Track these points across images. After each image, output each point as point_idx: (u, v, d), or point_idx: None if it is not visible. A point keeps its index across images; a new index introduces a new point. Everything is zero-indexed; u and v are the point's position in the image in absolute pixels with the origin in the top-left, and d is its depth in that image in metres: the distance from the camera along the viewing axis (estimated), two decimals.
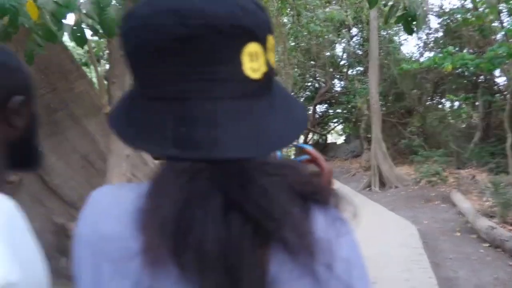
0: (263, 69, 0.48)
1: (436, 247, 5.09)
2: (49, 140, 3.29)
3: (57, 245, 3.15)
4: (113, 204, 0.52)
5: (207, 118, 0.45)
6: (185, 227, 0.46)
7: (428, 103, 16.04)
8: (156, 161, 0.58)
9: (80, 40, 2.22)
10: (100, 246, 0.50)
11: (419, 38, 14.09)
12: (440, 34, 13.66)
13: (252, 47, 0.46)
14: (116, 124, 0.50)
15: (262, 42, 0.48)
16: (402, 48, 17.77)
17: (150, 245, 0.45)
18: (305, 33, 12.90)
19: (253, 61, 0.47)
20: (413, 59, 14.91)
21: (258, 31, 0.47)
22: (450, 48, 8.76)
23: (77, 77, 3.47)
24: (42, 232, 3.11)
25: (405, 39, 17.33)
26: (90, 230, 0.52)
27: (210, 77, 0.45)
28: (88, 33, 2.43)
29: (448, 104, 16.30)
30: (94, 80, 6.78)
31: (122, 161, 2.45)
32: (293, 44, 16.34)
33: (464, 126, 15.20)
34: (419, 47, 15.34)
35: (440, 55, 8.74)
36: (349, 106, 18.85)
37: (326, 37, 15.88)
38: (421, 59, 12.93)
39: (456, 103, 15.77)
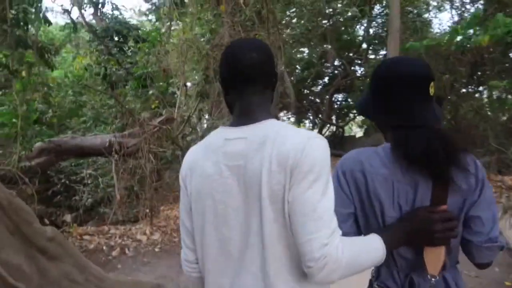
0: None
1: None
2: None
3: None
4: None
5: None
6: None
7: (462, 90, 13.54)
8: None
9: None
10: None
11: (453, 8, 11.43)
12: (481, 2, 10.97)
13: None
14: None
15: None
16: (433, 24, 15.17)
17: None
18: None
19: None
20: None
21: None
22: (478, 11, 6.27)
23: None
24: None
25: (435, 15, 14.73)
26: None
27: None
28: None
29: (487, 92, 13.65)
30: None
31: None
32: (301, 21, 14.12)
33: (505, 118, 12.61)
34: (453, 22, 12.71)
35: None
36: None
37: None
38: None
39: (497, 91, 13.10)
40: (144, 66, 7.27)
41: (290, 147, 1.01)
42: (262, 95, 1.15)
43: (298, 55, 19.25)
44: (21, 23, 4.83)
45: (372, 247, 1.07)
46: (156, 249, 5.29)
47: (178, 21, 8.19)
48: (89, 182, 6.85)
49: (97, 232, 5.61)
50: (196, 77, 6.64)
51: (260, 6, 7.15)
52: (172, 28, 8.27)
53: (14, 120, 5.33)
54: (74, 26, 8.76)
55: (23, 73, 6.39)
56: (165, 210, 7.34)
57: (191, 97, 6.40)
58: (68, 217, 6.57)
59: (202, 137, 8.47)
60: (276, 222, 1.01)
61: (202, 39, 6.82)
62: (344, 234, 1.05)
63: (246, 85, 1.13)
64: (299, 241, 0.98)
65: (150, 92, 7.22)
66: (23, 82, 5.42)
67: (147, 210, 6.38)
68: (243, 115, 1.13)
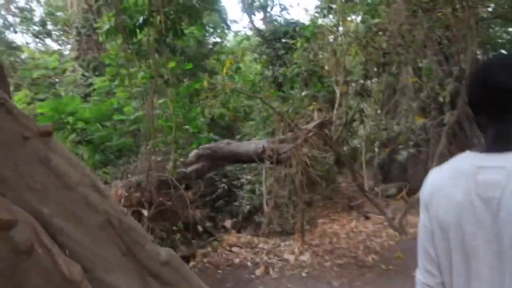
0: None
1: None
2: None
3: None
4: None
5: None
6: None
7: None
8: None
9: None
10: None
11: None
12: None
13: None
14: None
15: None
16: None
17: None
18: None
19: None
20: None
21: None
22: None
23: None
24: None
25: None
26: None
27: None
28: None
29: None
30: None
31: None
32: None
33: None
34: None
35: None
36: None
37: None
38: None
39: None
40: (298, 65, 6.73)
41: None
42: None
43: (501, 37, 15.42)
44: (177, 32, 4.93)
45: None
46: (303, 273, 4.59)
47: (345, 13, 7.32)
48: (248, 188, 6.72)
49: (246, 245, 5.30)
50: (355, 72, 5.66)
51: None
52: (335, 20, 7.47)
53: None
54: (225, 25, 8.94)
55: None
56: (324, 223, 6.59)
57: (349, 95, 5.47)
58: (228, 223, 6.56)
59: (370, 140, 7.34)
60: None
61: (360, 25, 5.78)
62: None
63: (504, 112, 1.04)
64: None
65: (304, 93, 6.61)
66: (179, 91, 5.63)
67: (304, 222, 5.78)
68: (499, 142, 1.06)
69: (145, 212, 4.86)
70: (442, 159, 8.20)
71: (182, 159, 5.73)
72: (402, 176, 9.25)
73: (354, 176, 6.00)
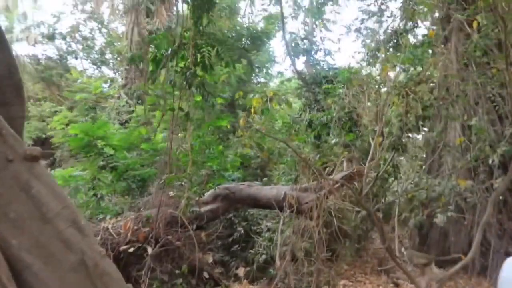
0: None
1: None
2: None
3: None
4: None
5: None
6: None
7: None
8: None
9: None
10: None
11: None
12: None
13: None
14: None
15: None
16: None
17: None
18: None
19: None
20: None
21: None
22: None
23: None
24: None
25: None
26: None
27: None
28: None
29: None
30: None
31: None
32: None
33: None
34: None
35: None
36: None
37: None
38: None
39: None
40: (330, 112, 6.40)
41: None
42: None
43: None
44: (205, 66, 4.81)
45: None
46: None
47: (388, 61, 6.96)
48: (266, 236, 6.25)
49: None
50: (392, 124, 5.23)
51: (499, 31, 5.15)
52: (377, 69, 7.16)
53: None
54: (251, 67, 8.89)
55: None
56: (346, 285, 5.93)
57: (383, 148, 5.03)
58: (241, 271, 6.07)
59: (407, 199, 6.70)
60: None
61: (401, 75, 5.41)
62: None
63: None
64: None
65: (333, 140, 6.23)
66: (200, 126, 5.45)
67: (321, 283, 5.21)
68: None
69: (149, 250, 4.56)
70: (488, 228, 7.32)
71: (197, 198, 5.46)
72: (442, 242, 8.34)
73: (383, 237, 5.38)
